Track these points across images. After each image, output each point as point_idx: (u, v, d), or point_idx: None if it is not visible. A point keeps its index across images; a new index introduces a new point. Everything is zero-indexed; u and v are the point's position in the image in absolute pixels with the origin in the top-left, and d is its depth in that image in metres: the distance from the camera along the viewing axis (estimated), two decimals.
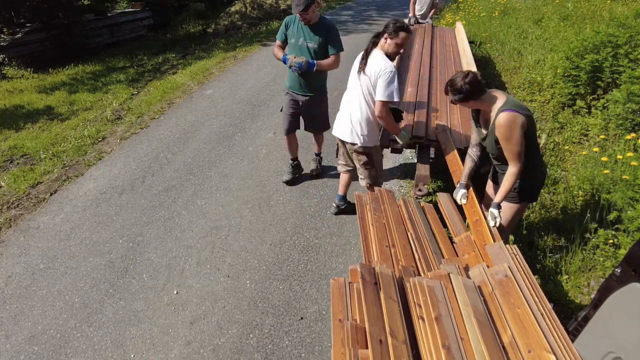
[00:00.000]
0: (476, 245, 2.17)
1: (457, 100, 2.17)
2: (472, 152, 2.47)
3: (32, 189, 4.06)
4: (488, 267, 1.90)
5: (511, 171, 2.14)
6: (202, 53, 9.42)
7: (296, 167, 3.93)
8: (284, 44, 3.39)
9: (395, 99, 2.61)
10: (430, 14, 6.77)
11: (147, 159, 4.45)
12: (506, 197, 2.26)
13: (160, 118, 5.58)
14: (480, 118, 2.30)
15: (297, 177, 3.92)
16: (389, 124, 2.76)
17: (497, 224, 2.23)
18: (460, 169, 2.59)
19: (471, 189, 2.48)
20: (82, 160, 4.56)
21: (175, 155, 4.50)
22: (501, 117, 2.06)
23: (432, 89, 4.09)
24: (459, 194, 2.47)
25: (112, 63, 9.48)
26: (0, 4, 9.51)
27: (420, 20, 6.80)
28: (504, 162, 2.25)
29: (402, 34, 2.56)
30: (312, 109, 3.55)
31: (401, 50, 2.65)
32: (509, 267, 1.82)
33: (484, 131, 2.29)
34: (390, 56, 2.65)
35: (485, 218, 2.25)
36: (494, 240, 2.09)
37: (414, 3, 6.67)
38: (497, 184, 2.48)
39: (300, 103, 3.50)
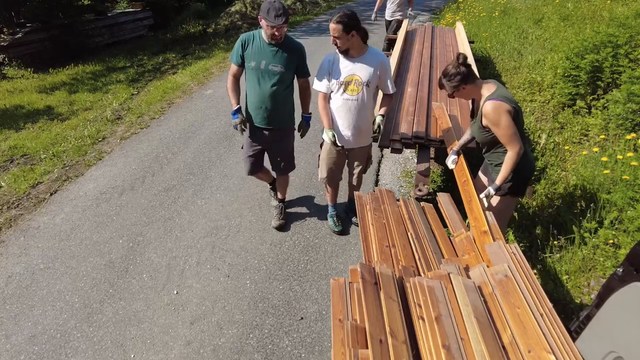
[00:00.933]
0: (476, 245, 2.16)
1: (455, 84, 2.21)
2: (467, 133, 2.63)
3: (32, 189, 4.06)
4: (488, 267, 1.90)
5: (509, 154, 2.20)
6: (202, 53, 9.43)
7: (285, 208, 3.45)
8: (241, 67, 2.79)
9: (313, 86, 2.76)
10: (408, 10, 6.76)
11: (147, 159, 4.44)
12: (503, 183, 2.30)
13: (161, 118, 5.58)
14: (476, 109, 2.37)
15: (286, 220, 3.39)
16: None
17: (490, 198, 2.32)
18: (463, 167, 2.63)
19: (461, 155, 2.63)
20: (82, 160, 4.56)
21: (175, 155, 4.50)
22: (487, 105, 2.15)
23: (432, 89, 4.09)
24: (450, 159, 2.63)
25: (112, 63, 9.48)
26: (0, 4, 9.51)
27: (387, 18, 6.75)
28: (490, 150, 2.36)
29: (330, 25, 2.50)
30: (277, 144, 3.04)
31: (338, 43, 2.52)
32: (508, 266, 1.82)
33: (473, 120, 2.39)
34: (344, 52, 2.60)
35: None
36: (486, 217, 2.14)
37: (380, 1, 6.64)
38: (486, 176, 2.58)
39: (265, 138, 2.97)
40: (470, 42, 6.04)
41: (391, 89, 2.75)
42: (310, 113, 3.03)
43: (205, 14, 14.79)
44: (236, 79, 2.86)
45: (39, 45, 9.80)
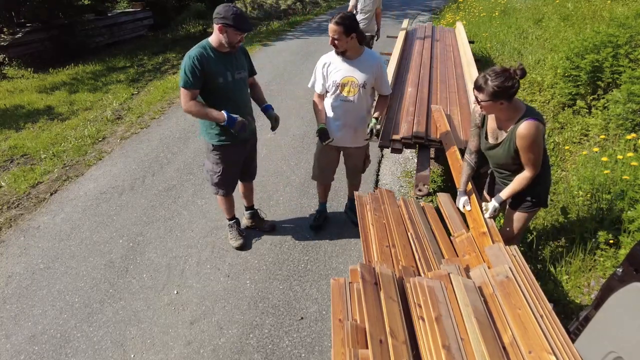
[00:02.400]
0: (477, 245, 2.17)
1: (503, 95, 1.91)
2: (470, 159, 2.38)
3: (32, 189, 4.06)
4: (489, 268, 1.90)
5: (526, 175, 2.07)
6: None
7: (254, 216, 3.28)
8: (198, 91, 2.46)
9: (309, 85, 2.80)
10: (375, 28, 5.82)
11: (148, 159, 4.45)
12: (519, 205, 2.23)
13: (161, 118, 5.58)
14: (491, 126, 2.16)
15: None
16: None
17: (494, 216, 2.23)
18: (476, 207, 2.39)
19: (473, 195, 2.40)
20: (82, 160, 4.56)
21: (175, 155, 4.50)
22: (526, 127, 1.93)
23: (432, 89, 4.09)
24: (461, 201, 2.39)
25: (112, 63, 9.48)
26: (1, 4, 9.51)
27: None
28: (510, 172, 2.20)
29: (330, 26, 2.48)
30: (252, 152, 2.96)
31: (337, 44, 2.51)
32: (510, 268, 1.82)
33: (491, 141, 2.18)
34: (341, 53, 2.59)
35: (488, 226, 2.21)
36: (493, 241, 2.09)
37: (354, 7, 5.66)
38: (492, 197, 2.39)
39: (244, 151, 2.83)
40: (470, 42, 6.04)
41: (386, 91, 2.78)
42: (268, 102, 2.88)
43: (205, 13, 14.76)
44: (195, 102, 2.48)
45: (39, 45, 9.80)
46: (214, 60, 2.43)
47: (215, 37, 2.42)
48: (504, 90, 1.89)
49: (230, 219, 3.12)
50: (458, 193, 2.46)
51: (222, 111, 2.46)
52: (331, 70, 2.64)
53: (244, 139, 2.73)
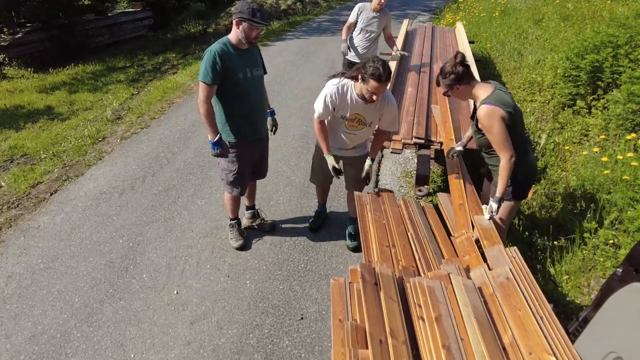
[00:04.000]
0: (485, 237, 2.16)
1: (449, 83, 2.19)
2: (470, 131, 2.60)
3: (32, 189, 4.06)
4: (490, 269, 1.90)
5: (502, 163, 2.16)
6: (202, 53, 9.40)
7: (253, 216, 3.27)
8: (216, 87, 2.46)
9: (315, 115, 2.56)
10: (394, 50, 4.73)
11: (148, 159, 4.44)
12: (505, 192, 2.26)
13: (161, 118, 5.58)
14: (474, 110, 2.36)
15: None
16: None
17: (493, 217, 2.26)
18: (461, 190, 2.59)
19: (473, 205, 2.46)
20: (82, 160, 4.56)
21: (175, 155, 4.50)
22: (481, 109, 2.13)
23: (432, 89, 4.09)
24: (452, 151, 2.67)
25: (112, 63, 9.48)
26: (1, 4, 9.51)
27: (352, 59, 4.45)
28: (489, 153, 2.33)
29: (372, 82, 2.24)
30: (265, 150, 2.98)
31: (374, 97, 2.31)
32: (510, 269, 1.82)
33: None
34: (365, 98, 2.36)
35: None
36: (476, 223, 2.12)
37: (348, 30, 4.49)
38: (490, 181, 2.55)
39: (256, 151, 2.84)
40: (471, 42, 6.04)
41: (393, 128, 2.63)
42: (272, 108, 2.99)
43: (205, 13, 14.78)
44: (211, 103, 2.50)
45: (39, 45, 9.81)
46: (234, 56, 2.47)
47: (233, 34, 2.47)
48: (450, 76, 2.17)
49: (232, 219, 3.10)
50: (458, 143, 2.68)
51: (219, 134, 2.54)
52: (340, 103, 2.47)
53: (259, 137, 2.80)
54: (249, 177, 2.94)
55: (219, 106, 2.59)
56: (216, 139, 2.52)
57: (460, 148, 2.68)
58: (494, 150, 2.26)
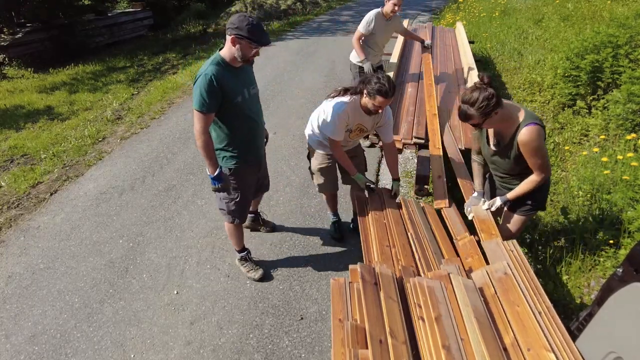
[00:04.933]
0: (482, 229, 2.16)
1: (489, 111, 1.89)
2: (478, 158, 2.39)
3: (32, 189, 4.06)
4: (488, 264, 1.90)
5: (535, 179, 2.05)
6: (202, 53, 9.42)
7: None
8: (213, 114, 2.20)
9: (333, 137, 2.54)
10: (425, 42, 4.78)
11: (148, 159, 4.44)
12: (518, 208, 2.22)
13: (161, 118, 5.58)
14: (491, 131, 2.15)
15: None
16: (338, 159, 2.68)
17: (492, 209, 2.23)
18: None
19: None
20: (82, 160, 4.56)
21: (175, 155, 4.50)
22: (526, 132, 1.92)
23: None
24: (480, 203, 2.36)
25: (112, 63, 9.49)
26: (1, 4, 9.51)
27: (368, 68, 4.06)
28: (513, 176, 2.19)
29: (378, 98, 2.30)
30: (264, 168, 2.80)
31: (380, 111, 2.40)
32: (507, 264, 1.82)
33: (492, 147, 2.15)
34: (370, 111, 2.44)
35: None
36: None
37: (360, 39, 4.08)
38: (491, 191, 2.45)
39: (257, 171, 2.67)
40: (471, 42, 6.04)
41: (389, 139, 2.69)
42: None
43: (205, 14, 14.79)
44: (209, 133, 2.23)
45: (39, 45, 9.81)
46: (230, 77, 2.18)
47: (227, 50, 2.17)
48: (488, 102, 1.88)
49: (240, 251, 2.80)
50: (475, 194, 2.42)
51: (220, 167, 2.30)
52: (351, 121, 2.54)
53: (260, 157, 2.60)
54: (252, 198, 2.74)
55: (216, 132, 2.33)
56: (216, 173, 2.27)
57: (483, 199, 2.40)
58: (518, 175, 2.15)
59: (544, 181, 2.06)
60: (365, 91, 2.36)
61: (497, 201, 2.23)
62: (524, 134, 1.92)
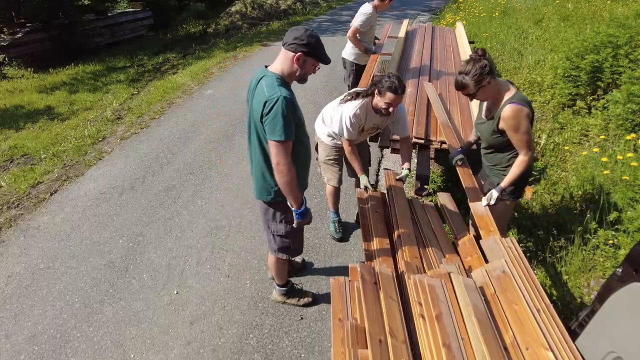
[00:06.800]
0: (481, 226, 2.17)
1: (481, 79, 1.99)
2: (474, 135, 2.61)
3: (32, 189, 4.06)
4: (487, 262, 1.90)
5: (522, 159, 2.14)
6: (202, 53, 9.42)
7: None
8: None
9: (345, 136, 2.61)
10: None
11: (148, 159, 4.44)
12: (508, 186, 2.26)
13: (161, 118, 5.58)
14: (487, 104, 2.25)
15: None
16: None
17: (494, 201, 2.26)
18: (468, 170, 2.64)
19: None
20: (82, 160, 4.56)
21: (175, 155, 4.50)
22: (508, 109, 2.03)
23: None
24: (456, 157, 2.62)
25: (112, 63, 9.49)
26: (1, 4, 9.51)
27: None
28: (496, 152, 2.29)
29: (389, 94, 2.35)
30: None
31: (390, 109, 2.41)
32: (505, 262, 1.82)
33: (483, 116, 2.27)
34: (380, 111, 2.48)
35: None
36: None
37: (356, 35, 4.28)
38: (483, 180, 2.53)
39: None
40: (471, 42, 6.03)
41: (404, 133, 2.77)
42: None
43: (205, 14, 14.79)
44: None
45: (39, 45, 9.81)
46: (294, 101, 1.89)
47: (284, 67, 1.89)
48: (482, 71, 2.00)
49: (285, 285, 2.57)
50: (453, 151, 2.68)
51: (305, 200, 2.04)
52: (364, 123, 2.64)
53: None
54: None
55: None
56: (304, 207, 2.01)
57: (462, 155, 2.65)
58: (503, 152, 2.25)
59: (530, 160, 2.14)
60: (376, 91, 2.45)
61: (494, 193, 2.26)
62: (506, 111, 2.04)
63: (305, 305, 2.61)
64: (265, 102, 1.79)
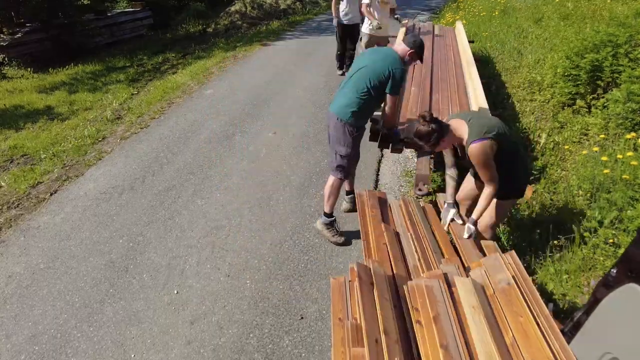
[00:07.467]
0: (466, 252, 2.17)
1: (434, 142, 2.16)
2: (451, 172, 2.51)
3: (32, 189, 4.06)
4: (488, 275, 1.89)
5: (488, 192, 2.22)
6: (202, 53, 9.42)
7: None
8: None
9: None
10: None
11: (147, 159, 4.45)
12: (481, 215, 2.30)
13: (161, 118, 5.58)
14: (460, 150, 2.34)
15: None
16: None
17: (472, 237, 2.29)
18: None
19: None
20: (82, 160, 4.56)
21: (175, 155, 4.50)
22: (471, 150, 2.13)
23: (432, 89, 4.09)
24: (450, 214, 2.46)
25: (112, 63, 9.48)
26: (1, 4, 9.51)
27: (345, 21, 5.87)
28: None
29: None
30: None
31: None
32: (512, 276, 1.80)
33: (460, 155, 2.37)
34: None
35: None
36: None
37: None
38: (477, 179, 2.52)
39: None
40: (470, 41, 6.02)
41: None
42: None
43: (205, 13, 14.77)
44: None
45: (38, 45, 9.81)
46: None
47: (402, 53, 2.83)
48: (430, 137, 2.15)
49: (330, 215, 3.08)
50: (445, 206, 2.52)
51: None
52: None
53: None
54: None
55: (372, 104, 2.88)
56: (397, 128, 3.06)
57: (454, 210, 2.50)
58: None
59: (495, 191, 2.21)
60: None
61: (471, 228, 2.30)
62: (471, 152, 2.15)
63: (336, 243, 3.08)
64: (392, 69, 2.72)
